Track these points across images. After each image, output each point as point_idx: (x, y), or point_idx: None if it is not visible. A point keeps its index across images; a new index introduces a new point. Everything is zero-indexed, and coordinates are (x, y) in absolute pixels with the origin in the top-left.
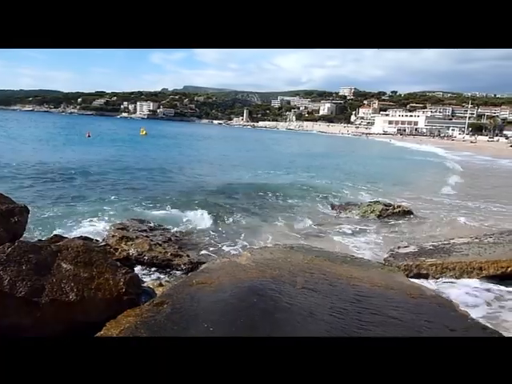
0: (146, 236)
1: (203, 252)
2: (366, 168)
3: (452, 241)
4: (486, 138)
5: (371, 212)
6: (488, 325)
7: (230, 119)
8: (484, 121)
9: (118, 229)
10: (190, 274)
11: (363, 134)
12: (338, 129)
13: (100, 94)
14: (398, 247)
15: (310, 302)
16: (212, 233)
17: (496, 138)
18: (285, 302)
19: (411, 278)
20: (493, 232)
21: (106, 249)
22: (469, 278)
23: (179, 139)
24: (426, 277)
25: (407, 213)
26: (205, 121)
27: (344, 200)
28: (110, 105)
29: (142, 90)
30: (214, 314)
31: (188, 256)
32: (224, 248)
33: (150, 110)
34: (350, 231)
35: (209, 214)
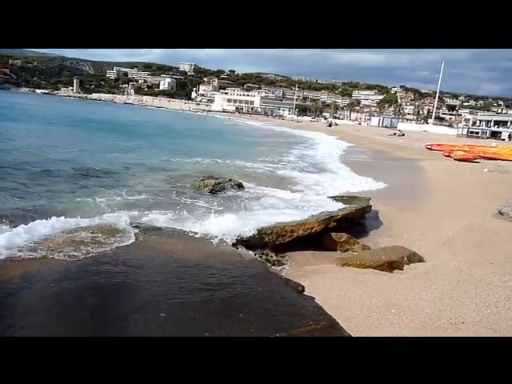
0: None
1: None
2: (207, 143)
3: (273, 209)
4: (310, 119)
5: (204, 186)
6: (290, 278)
7: (57, 89)
8: (308, 103)
9: None
10: None
11: (204, 110)
12: (179, 105)
13: None
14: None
15: (131, 279)
16: (21, 214)
17: (316, 119)
18: (103, 282)
19: (236, 245)
20: (303, 200)
21: None
22: (283, 240)
23: None
24: (248, 242)
25: (238, 185)
26: (25, 89)
27: (179, 174)
28: None
29: None
30: (19, 306)
31: None
32: (39, 231)
33: None
34: (180, 205)
35: (18, 195)
